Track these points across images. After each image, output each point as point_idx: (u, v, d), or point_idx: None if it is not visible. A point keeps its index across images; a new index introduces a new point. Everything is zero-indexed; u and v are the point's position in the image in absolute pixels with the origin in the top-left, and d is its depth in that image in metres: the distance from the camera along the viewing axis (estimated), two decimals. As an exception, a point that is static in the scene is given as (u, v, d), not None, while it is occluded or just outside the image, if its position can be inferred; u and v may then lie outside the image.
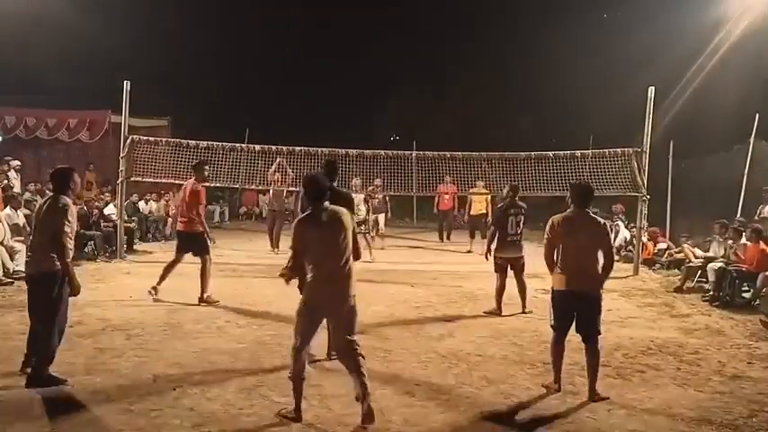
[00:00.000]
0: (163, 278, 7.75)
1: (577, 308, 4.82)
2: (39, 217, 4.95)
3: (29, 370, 4.76)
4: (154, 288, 7.70)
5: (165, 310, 7.21)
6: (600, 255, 4.84)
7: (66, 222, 4.71)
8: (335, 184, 5.23)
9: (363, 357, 4.22)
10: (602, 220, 5.02)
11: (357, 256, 4.44)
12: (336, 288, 4.20)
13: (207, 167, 8.09)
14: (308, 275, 4.22)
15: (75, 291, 4.81)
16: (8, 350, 5.56)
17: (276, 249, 12.48)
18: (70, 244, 4.73)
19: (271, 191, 12.98)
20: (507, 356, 5.81)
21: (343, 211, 4.30)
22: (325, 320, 4.40)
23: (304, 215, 4.30)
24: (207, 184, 8.38)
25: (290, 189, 12.48)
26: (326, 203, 4.25)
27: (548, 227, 4.97)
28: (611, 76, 19.70)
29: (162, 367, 5.21)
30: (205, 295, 7.63)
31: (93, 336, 6.13)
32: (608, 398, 4.74)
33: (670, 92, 16.76)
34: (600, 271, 4.82)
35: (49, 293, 4.69)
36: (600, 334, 4.84)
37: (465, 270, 10.75)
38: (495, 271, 7.58)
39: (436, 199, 14.72)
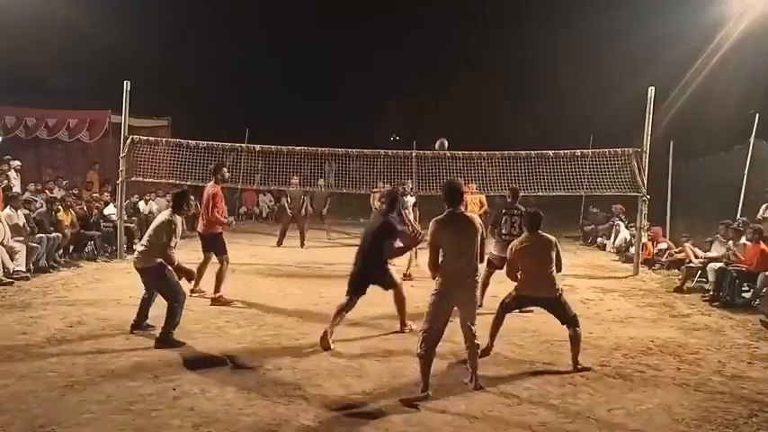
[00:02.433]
0: (198, 280, 7.88)
1: (543, 307, 5.70)
2: (152, 223, 6.23)
3: (135, 331, 6.20)
4: (191, 291, 7.82)
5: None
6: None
7: (174, 237, 6.01)
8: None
9: None
10: (553, 238, 5.68)
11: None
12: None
13: (225, 169, 8.38)
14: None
15: (189, 277, 6.24)
16: (8, 350, 5.57)
17: (281, 246, 13.30)
18: (172, 250, 6.00)
19: (288, 194, 13.61)
20: (507, 356, 5.81)
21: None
22: None
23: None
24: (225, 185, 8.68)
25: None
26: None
27: (508, 252, 5.83)
28: (611, 76, 19.71)
29: (162, 367, 5.21)
30: (217, 295, 7.73)
31: (93, 336, 6.14)
32: (590, 368, 5.43)
33: (670, 92, 16.78)
34: (555, 278, 5.59)
35: (158, 279, 6.02)
36: (576, 318, 5.58)
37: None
38: (487, 266, 7.58)
39: None
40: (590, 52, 20.40)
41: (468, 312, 4.92)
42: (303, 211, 13.82)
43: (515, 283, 5.77)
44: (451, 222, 4.84)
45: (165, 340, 5.86)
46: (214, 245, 7.98)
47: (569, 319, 5.58)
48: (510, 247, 5.84)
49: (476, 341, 4.95)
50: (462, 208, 5.00)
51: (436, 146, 11.62)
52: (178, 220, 6.14)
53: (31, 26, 17.01)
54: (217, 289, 7.76)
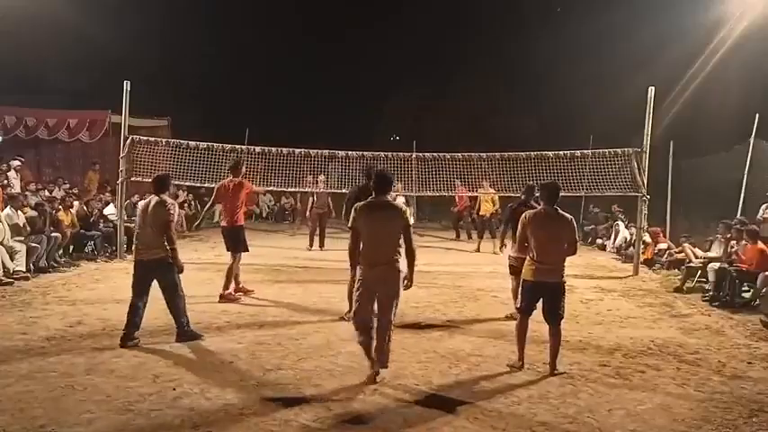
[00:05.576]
0: (235, 281, 8.10)
1: (546, 295, 5.33)
2: (145, 214, 5.92)
3: (129, 343, 5.75)
4: (240, 292, 8.06)
5: (165, 310, 7.18)
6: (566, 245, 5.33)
7: (171, 216, 5.86)
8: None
9: None
10: (569, 216, 5.38)
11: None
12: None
13: (242, 166, 8.63)
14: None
15: (179, 270, 5.95)
16: (9, 350, 5.57)
17: (313, 247, 13.09)
18: (174, 232, 5.92)
19: (315, 194, 13.29)
20: (507, 356, 5.80)
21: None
22: None
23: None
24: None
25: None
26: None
27: (520, 224, 5.46)
28: (611, 76, 19.70)
29: (162, 367, 5.22)
30: (226, 292, 7.84)
31: (93, 336, 6.13)
32: (565, 372, 5.27)
33: (670, 92, 16.77)
34: (565, 260, 5.30)
35: (163, 269, 5.86)
36: (563, 317, 5.36)
37: (465, 270, 10.76)
38: (511, 273, 6.95)
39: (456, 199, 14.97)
40: (590, 52, 20.39)
41: (385, 301, 4.97)
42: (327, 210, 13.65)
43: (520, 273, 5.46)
44: (372, 208, 4.96)
45: (184, 334, 5.99)
46: (230, 239, 8.09)
47: (557, 316, 5.29)
48: (523, 215, 5.45)
49: (390, 332, 5.00)
50: (388, 197, 5.11)
51: None
52: (167, 200, 5.96)
53: (31, 26, 17.01)
54: (225, 286, 7.87)
